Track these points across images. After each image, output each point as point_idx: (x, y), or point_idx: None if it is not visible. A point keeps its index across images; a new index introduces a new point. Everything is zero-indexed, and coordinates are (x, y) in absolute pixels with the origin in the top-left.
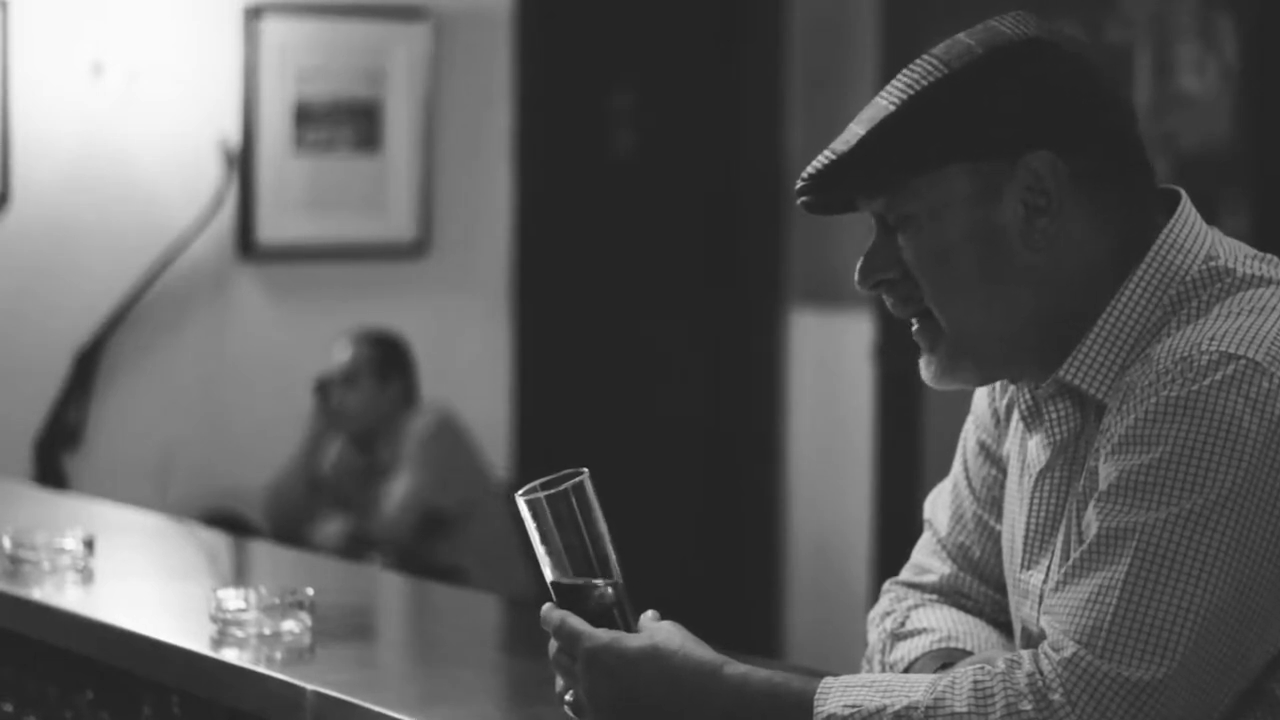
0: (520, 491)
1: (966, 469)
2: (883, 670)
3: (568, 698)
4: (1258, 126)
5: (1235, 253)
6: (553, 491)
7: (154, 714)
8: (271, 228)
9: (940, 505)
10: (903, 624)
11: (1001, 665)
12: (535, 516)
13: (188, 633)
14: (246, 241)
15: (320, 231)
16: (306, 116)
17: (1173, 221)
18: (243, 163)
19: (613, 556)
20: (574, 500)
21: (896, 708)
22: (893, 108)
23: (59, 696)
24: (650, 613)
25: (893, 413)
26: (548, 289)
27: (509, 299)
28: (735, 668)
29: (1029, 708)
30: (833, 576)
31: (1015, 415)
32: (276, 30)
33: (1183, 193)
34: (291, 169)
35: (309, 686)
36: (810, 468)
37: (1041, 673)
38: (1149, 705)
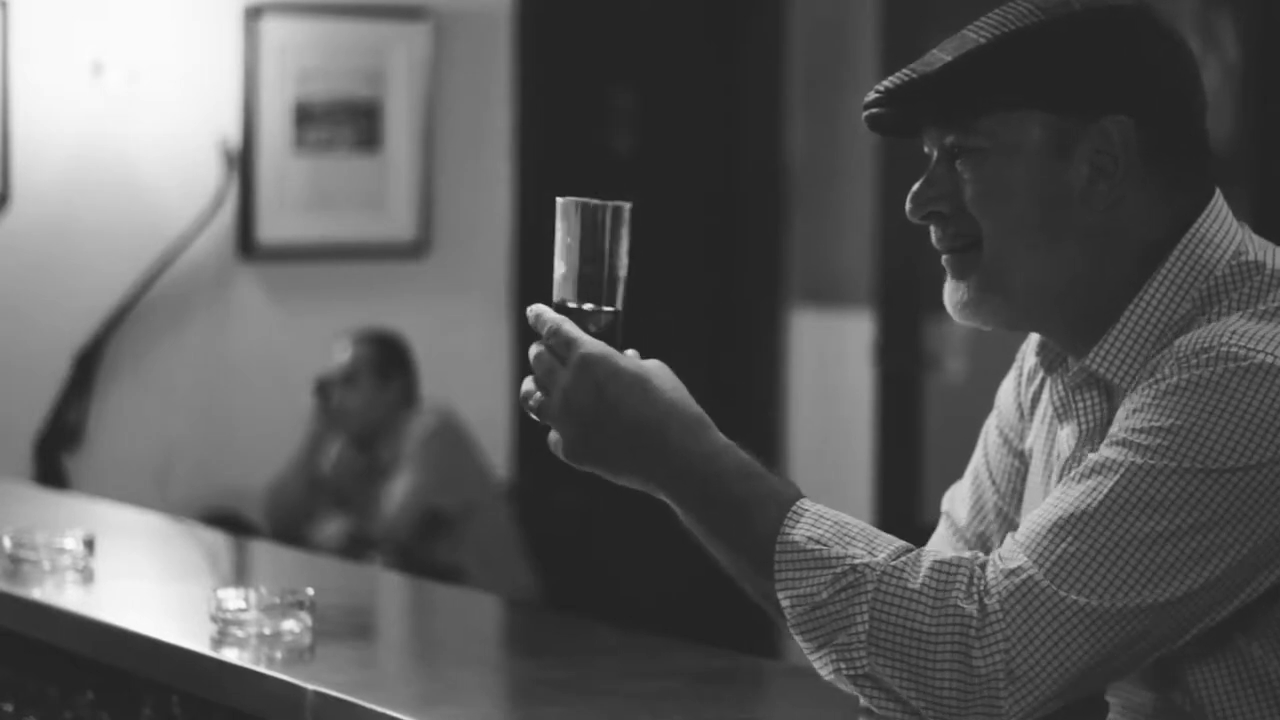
0: (563, 198)
1: (988, 460)
2: None
3: (532, 401)
4: (1259, 125)
5: (1266, 248)
6: (592, 202)
7: (154, 714)
8: (271, 228)
9: (959, 498)
10: None
11: (967, 555)
12: (565, 222)
13: (188, 633)
14: (246, 241)
15: (320, 231)
16: (306, 116)
17: (1203, 216)
18: (243, 163)
19: (622, 290)
20: (608, 220)
21: (856, 562)
22: (983, 40)
23: (59, 696)
24: (631, 352)
25: (893, 413)
26: (547, 289)
27: (509, 299)
28: (719, 434)
29: (972, 609)
30: None
31: (1041, 409)
32: (276, 30)
33: (1217, 189)
34: (291, 169)
35: (309, 686)
36: (810, 468)
37: (985, 577)
38: (1079, 631)
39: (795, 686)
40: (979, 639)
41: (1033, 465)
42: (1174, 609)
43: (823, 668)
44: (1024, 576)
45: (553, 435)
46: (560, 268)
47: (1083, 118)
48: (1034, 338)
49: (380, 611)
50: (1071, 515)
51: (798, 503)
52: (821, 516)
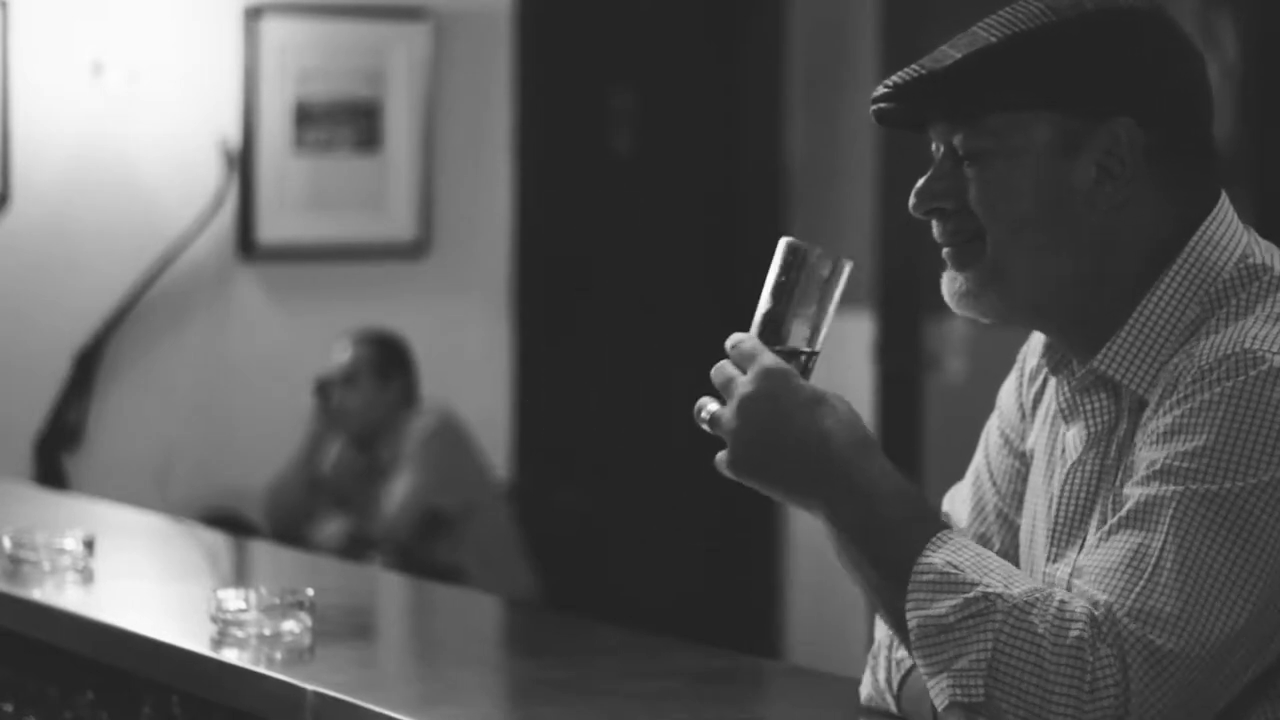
0: (789, 238)
1: (989, 461)
2: (889, 666)
3: (704, 414)
4: (1259, 125)
5: (1270, 250)
6: (820, 250)
7: (154, 714)
8: (271, 228)
9: (960, 500)
10: None
11: (1084, 601)
12: (787, 264)
13: (188, 633)
14: (246, 241)
15: (320, 231)
16: (306, 116)
17: (1209, 219)
18: (243, 163)
19: (824, 336)
20: (831, 271)
21: (989, 590)
22: (993, 39)
23: (59, 696)
24: None
25: (893, 413)
26: (548, 289)
27: (509, 299)
28: (884, 459)
29: (1088, 655)
30: (833, 576)
31: (1043, 409)
32: (276, 30)
33: (1223, 191)
34: (291, 169)
35: (309, 686)
36: None
37: (1100, 622)
38: (1169, 673)
39: (795, 686)
40: (1091, 686)
41: (1034, 466)
42: (1254, 628)
43: (938, 694)
44: (1112, 619)
45: (720, 454)
46: (766, 303)
47: (1091, 119)
48: (1036, 338)
49: (380, 611)
50: (1141, 555)
51: (944, 530)
52: (964, 546)
